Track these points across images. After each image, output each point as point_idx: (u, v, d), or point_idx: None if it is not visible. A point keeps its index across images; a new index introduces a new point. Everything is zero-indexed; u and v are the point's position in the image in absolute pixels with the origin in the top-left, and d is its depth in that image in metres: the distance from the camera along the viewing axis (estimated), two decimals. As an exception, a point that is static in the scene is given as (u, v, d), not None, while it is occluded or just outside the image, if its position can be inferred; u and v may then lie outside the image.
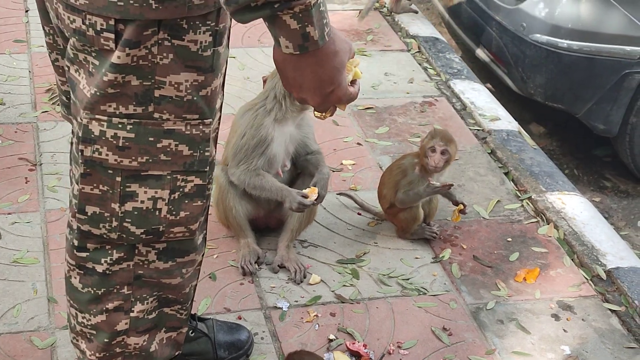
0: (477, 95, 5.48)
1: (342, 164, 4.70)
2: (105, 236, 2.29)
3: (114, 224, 2.26)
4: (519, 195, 4.58)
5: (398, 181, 4.06)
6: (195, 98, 2.17)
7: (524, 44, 5.72)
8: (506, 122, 5.23)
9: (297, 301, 3.75)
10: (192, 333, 3.33)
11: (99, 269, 2.34)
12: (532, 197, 4.54)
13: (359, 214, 4.35)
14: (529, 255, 4.14)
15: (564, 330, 3.70)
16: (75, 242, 2.36)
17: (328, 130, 4.93)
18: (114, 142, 2.17)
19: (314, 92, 2.00)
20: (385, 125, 5.08)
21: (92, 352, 2.44)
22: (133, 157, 2.19)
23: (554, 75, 5.53)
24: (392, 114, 5.21)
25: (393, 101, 5.35)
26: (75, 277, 2.40)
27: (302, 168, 3.96)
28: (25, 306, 3.56)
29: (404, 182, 4.04)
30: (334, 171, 4.61)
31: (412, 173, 4.04)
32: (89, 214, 2.27)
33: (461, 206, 4.09)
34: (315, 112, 2.14)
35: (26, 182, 4.27)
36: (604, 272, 4.03)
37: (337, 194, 4.43)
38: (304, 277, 3.89)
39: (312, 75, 1.96)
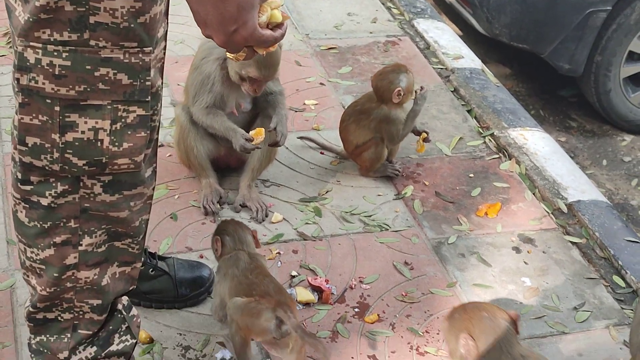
0: (441, 34, 5.45)
1: (304, 104, 4.67)
2: (47, 168, 2.25)
3: (55, 155, 2.22)
4: (482, 132, 4.58)
5: (391, 132, 4.02)
6: (132, 25, 2.12)
7: (489, -15, 5.69)
8: (469, 60, 5.22)
9: (259, 239, 3.73)
10: (152, 271, 3.32)
11: (44, 202, 2.31)
12: (495, 133, 4.54)
13: (322, 153, 4.34)
14: (491, 191, 4.15)
15: (525, 263, 3.72)
16: (19, 175, 2.32)
17: (290, 70, 4.89)
18: (50, 70, 2.12)
19: (217, 30, 1.96)
20: (349, 65, 5.05)
21: (43, 287, 2.42)
22: (70, 86, 2.14)
23: (518, 15, 5.50)
24: (355, 54, 5.18)
25: (356, 41, 5.31)
26: (21, 211, 2.36)
27: (261, 109, 3.93)
28: (-17, 249, 3.53)
29: (397, 129, 4.02)
30: (296, 111, 4.58)
31: (397, 118, 4.00)
32: (29, 145, 2.23)
33: (424, 134, 4.08)
34: (227, 52, 2.09)
35: (-17, 126, 4.22)
36: (565, 205, 4.05)
37: (298, 137, 4.40)
38: (266, 216, 3.88)
39: (214, 10, 1.93)
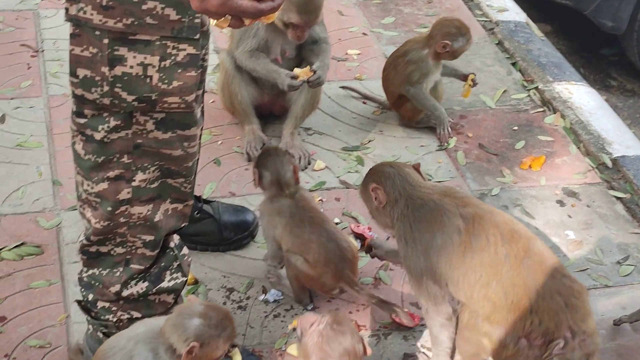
0: (485, -15, 5.38)
1: (347, 53, 4.64)
2: (98, 102, 2.25)
3: (105, 88, 2.22)
4: (526, 85, 4.54)
5: (409, 74, 3.99)
6: None
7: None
8: (514, 13, 5.15)
9: (307, 182, 3.74)
10: (197, 214, 3.33)
11: (97, 136, 2.32)
12: (539, 87, 4.49)
13: (364, 102, 4.32)
14: (535, 144, 4.12)
15: (569, 216, 3.70)
16: (74, 108, 2.34)
17: (333, 19, 4.85)
18: (98, 1, 2.12)
19: None
20: (392, 16, 5.01)
21: (97, 220, 2.44)
22: (118, 18, 2.13)
23: (564, -29, 5.42)
24: (398, 4, 5.13)
25: (399, -9, 5.26)
26: (78, 144, 2.38)
27: (305, 57, 3.90)
28: (30, 188, 3.56)
29: (416, 75, 3.98)
30: (338, 61, 4.56)
31: (425, 65, 3.97)
32: (80, 77, 2.24)
33: (472, 76, 4.04)
34: (210, 19, 1.97)
35: (28, 68, 4.23)
36: (610, 160, 4.01)
37: (341, 87, 4.38)
38: (309, 164, 3.88)
39: None
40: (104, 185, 2.39)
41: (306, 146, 3.96)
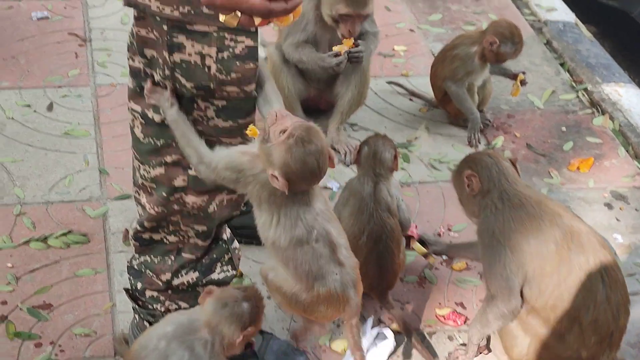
0: (534, -16, 5.33)
1: (394, 49, 4.61)
2: (162, 84, 2.26)
3: (167, 72, 2.23)
4: (575, 85, 4.48)
5: (454, 69, 3.96)
6: None
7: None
8: (563, 12, 5.09)
9: (347, 182, 3.72)
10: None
11: (157, 119, 2.32)
12: (588, 88, 4.44)
13: (411, 99, 4.29)
14: (583, 145, 4.07)
15: (617, 220, 3.65)
16: (137, 89, 2.34)
17: (380, 15, 4.80)
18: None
19: None
20: (439, 12, 4.97)
21: (151, 206, 2.44)
22: (174, 6, 2.13)
23: (612, -29, 5.36)
24: (445, 1, 5.09)
25: (447, -12, 5.22)
26: (137, 127, 2.38)
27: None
28: (77, 177, 3.57)
29: (461, 72, 3.94)
30: (385, 57, 4.53)
31: (470, 63, 3.93)
32: (148, 56, 2.25)
33: (521, 76, 3.99)
34: (220, 15, 1.92)
35: (76, 57, 4.24)
36: (660, 164, 3.96)
37: (387, 82, 4.35)
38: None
39: None
40: (160, 170, 2.39)
41: (352, 142, 3.94)
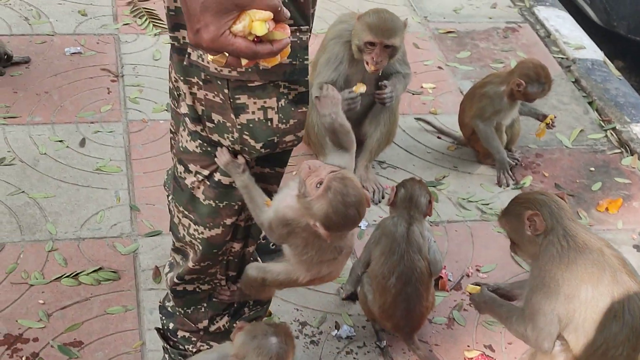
0: (562, 22, 5.34)
1: (422, 87, 4.64)
2: (230, 148, 2.28)
3: (235, 135, 2.24)
4: (603, 125, 4.49)
5: (482, 107, 3.98)
6: (286, 2, 2.11)
7: (610, -27, 5.57)
8: (591, 51, 5.10)
9: (375, 221, 3.73)
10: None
11: (225, 181, 2.35)
12: (617, 127, 4.44)
13: (439, 137, 4.30)
14: (612, 186, 4.06)
15: (646, 262, 3.64)
16: (203, 152, 2.35)
17: (408, 52, 4.79)
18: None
19: (187, 25, 1.86)
20: (467, 50, 4.99)
21: (195, 263, 2.47)
22: (232, 67, 2.16)
23: (639, 7, 5.35)
24: (474, 39, 5.11)
25: (475, 26, 5.24)
26: (199, 188, 2.39)
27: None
28: (108, 213, 3.61)
29: (489, 110, 3.96)
30: (413, 94, 4.55)
31: (499, 102, 3.95)
32: (215, 122, 2.26)
33: (551, 117, 3.99)
34: (208, 55, 1.92)
35: (108, 93, 4.29)
36: (690, 205, 3.95)
37: (416, 119, 4.38)
38: (382, 197, 3.87)
39: (183, 4, 1.84)
40: (217, 231, 2.41)
41: (380, 180, 3.96)
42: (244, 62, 1.88)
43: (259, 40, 1.84)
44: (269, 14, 1.82)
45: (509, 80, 3.92)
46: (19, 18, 4.77)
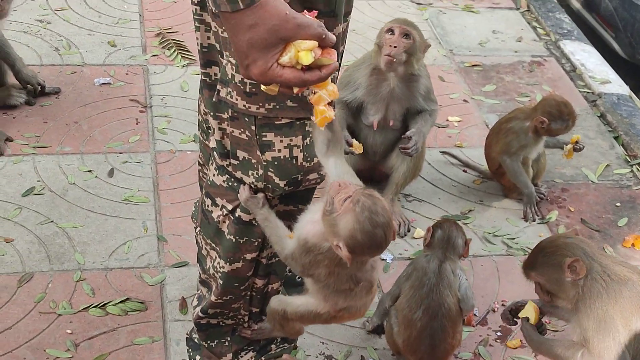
0: (588, 57, 5.35)
1: (448, 120, 4.66)
2: (253, 185, 2.30)
3: (260, 172, 2.27)
4: (629, 160, 4.48)
5: (508, 142, 3.99)
6: None
7: (635, 8, 5.57)
8: (617, 85, 5.10)
9: (401, 254, 3.75)
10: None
11: (245, 218, 2.37)
12: (643, 162, 4.44)
13: (465, 171, 4.31)
14: (638, 221, 4.05)
15: (674, 299, 3.62)
16: (229, 187, 2.38)
17: (434, 85, 4.82)
18: (242, 87, 2.18)
19: (237, 60, 1.93)
20: (493, 83, 5.01)
21: (218, 297, 2.49)
22: (260, 104, 2.19)
23: (665, 41, 5.37)
24: (499, 72, 5.13)
25: (501, 59, 5.26)
26: (224, 222, 2.42)
27: (408, 126, 3.92)
28: (135, 243, 3.64)
29: (515, 145, 3.97)
30: (439, 127, 4.57)
31: (524, 137, 3.96)
32: (240, 158, 2.29)
33: (577, 137, 3.99)
34: (261, 85, 2.01)
35: (137, 123, 4.34)
36: None
37: (441, 152, 4.39)
38: (408, 231, 3.88)
39: (231, 40, 1.90)
40: (237, 265, 2.44)
41: (406, 213, 3.97)
42: (295, 89, 1.97)
43: (307, 68, 1.91)
44: (313, 43, 1.89)
45: (533, 117, 3.93)
46: (49, 48, 4.84)
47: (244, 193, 2.32)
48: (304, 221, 2.34)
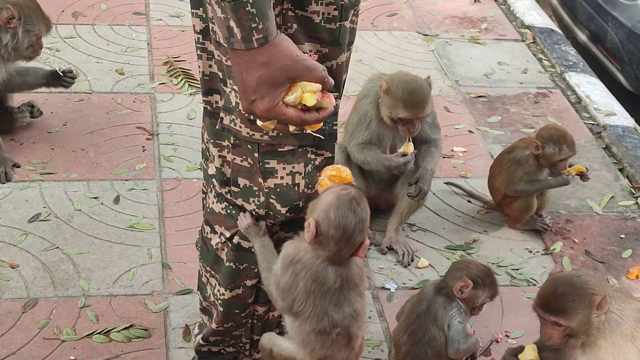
0: (593, 89, 5.37)
1: (453, 150, 4.67)
2: (254, 212, 2.32)
3: (262, 199, 2.29)
4: (634, 192, 4.49)
5: (512, 173, 4.01)
6: None
7: (641, 41, 5.60)
8: (622, 117, 5.12)
9: (404, 283, 3.75)
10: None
11: (245, 245, 2.39)
12: (647, 194, 4.45)
13: (469, 201, 4.32)
14: (643, 254, 4.06)
15: (678, 332, 3.61)
16: (228, 215, 2.40)
17: (439, 116, 4.83)
18: (246, 115, 2.20)
19: (241, 94, 1.98)
20: (498, 115, 5.03)
21: (219, 324, 2.50)
22: (264, 132, 2.21)
23: (670, 73, 5.39)
24: (504, 104, 5.15)
25: (506, 90, 5.29)
26: (223, 249, 2.44)
27: (415, 157, 3.93)
28: (140, 270, 3.65)
29: (519, 174, 3.99)
30: (444, 157, 4.59)
31: (527, 165, 3.98)
32: (241, 186, 2.31)
33: (581, 168, 4.00)
34: (257, 120, 2.06)
35: (143, 151, 4.36)
36: None
37: (445, 183, 4.40)
38: (412, 260, 3.89)
39: (239, 75, 1.95)
40: (238, 291, 2.45)
41: (410, 242, 3.97)
42: (291, 128, 2.02)
43: (307, 108, 1.97)
44: (318, 86, 1.96)
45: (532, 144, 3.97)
46: (58, 76, 4.87)
47: (245, 220, 2.34)
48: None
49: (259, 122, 2.04)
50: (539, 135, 3.96)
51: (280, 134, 2.20)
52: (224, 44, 1.92)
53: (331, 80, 1.97)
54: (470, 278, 3.09)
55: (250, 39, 1.87)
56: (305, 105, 1.98)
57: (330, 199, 2.19)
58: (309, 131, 2.06)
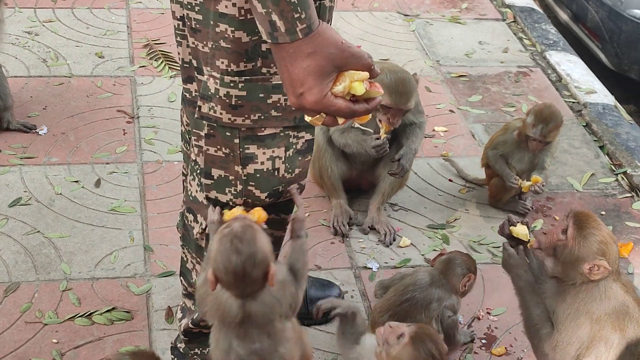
0: (573, 67, 5.39)
1: (434, 130, 4.68)
2: (231, 203, 2.30)
3: (239, 187, 2.27)
4: (614, 169, 4.51)
5: (496, 137, 4.06)
6: None
7: (621, 19, 5.61)
8: (602, 95, 5.14)
9: (386, 263, 3.76)
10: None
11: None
12: (628, 171, 4.46)
13: (450, 180, 4.33)
14: (623, 230, 4.07)
15: (658, 306, 3.64)
16: (202, 203, 2.39)
17: (420, 96, 4.86)
18: (227, 100, 2.19)
19: (288, 89, 1.95)
20: (479, 94, 5.04)
21: None
22: (246, 115, 2.20)
23: (651, 52, 5.41)
24: (485, 83, 5.16)
25: (487, 70, 5.30)
26: (202, 239, 2.44)
27: (397, 137, 3.94)
28: (122, 253, 3.64)
29: (500, 139, 4.03)
30: (425, 137, 4.59)
31: (510, 134, 4.00)
32: (215, 177, 2.29)
33: (537, 179, 3.93)
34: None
35: (124, 134, 4.35)
36: (701, 250, 3.95)
37: (444, 159, 4.42)
38: (394, 240, 3.90)
39: (284, 69, 1.92)
40: None
41: (392, 222, 3.98)
42: (340, 120, 1.97)
43: (355, 99, 1.93)
44: (366, 74, 1.92)
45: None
46: (37, 60, 4.85)
47: (213, 216, 2.28)
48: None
49: (306, 118, 2.00)
50: (533, 107, 3.97)
51: (262, 117, 2.19)
52: (267, 40, 1.89)
53: (377, 68, 1.94)
54: (471, 272, 3.20)
55: (295, 30, 1.85)
56: (353, 95, 1.94)
57: (215, 243, 2.07)
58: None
